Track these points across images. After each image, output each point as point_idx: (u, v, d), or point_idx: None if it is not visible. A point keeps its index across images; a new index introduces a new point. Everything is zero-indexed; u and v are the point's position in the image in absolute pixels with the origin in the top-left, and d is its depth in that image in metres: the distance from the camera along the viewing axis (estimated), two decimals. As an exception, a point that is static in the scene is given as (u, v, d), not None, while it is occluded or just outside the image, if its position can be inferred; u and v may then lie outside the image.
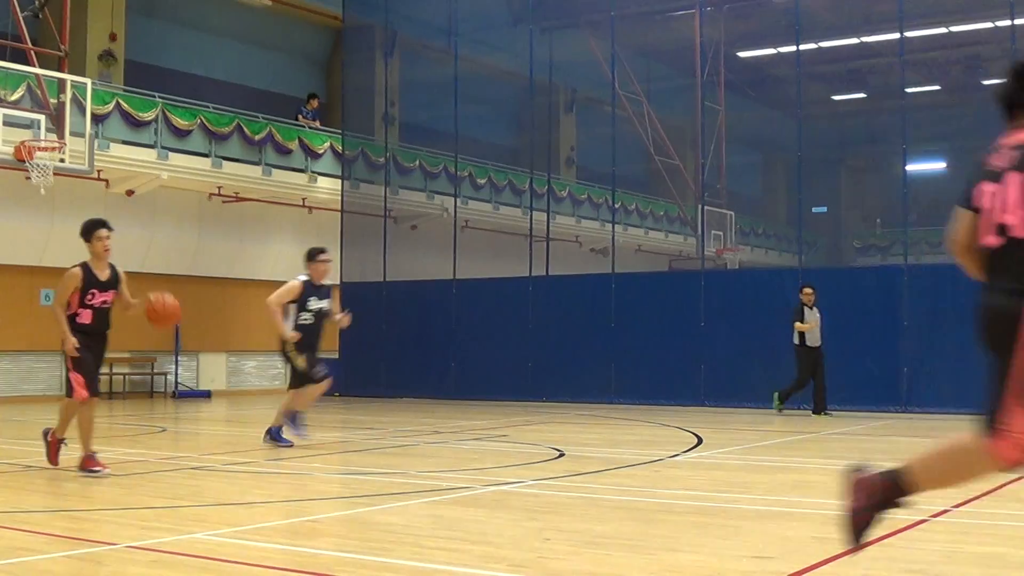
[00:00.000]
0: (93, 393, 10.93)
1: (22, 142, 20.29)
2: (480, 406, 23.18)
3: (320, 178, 29.33)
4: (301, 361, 14.10)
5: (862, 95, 38.15)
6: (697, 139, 30.18)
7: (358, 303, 27.92)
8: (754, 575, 6.40)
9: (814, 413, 20.14)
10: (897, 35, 24.00)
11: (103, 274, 11.24)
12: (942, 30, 31.40)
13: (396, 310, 27.36)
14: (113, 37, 27.90)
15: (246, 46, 32.73)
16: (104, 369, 26.42)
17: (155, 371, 28.34)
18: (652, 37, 32.13)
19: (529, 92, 27.98)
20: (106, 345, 11.42)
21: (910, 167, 25.31)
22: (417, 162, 31.09)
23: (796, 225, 25.92)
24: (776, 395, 20.56)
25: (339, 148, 29.50)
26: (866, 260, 41.98)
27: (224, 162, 27.02)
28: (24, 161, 20.25)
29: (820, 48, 32.43)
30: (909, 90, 27.29)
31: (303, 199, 29.52)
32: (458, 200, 29.16)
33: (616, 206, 29.37)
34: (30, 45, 21.66)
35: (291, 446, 13.69)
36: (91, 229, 11.29)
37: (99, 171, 23.92)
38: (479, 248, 30.02)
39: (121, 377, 27.58)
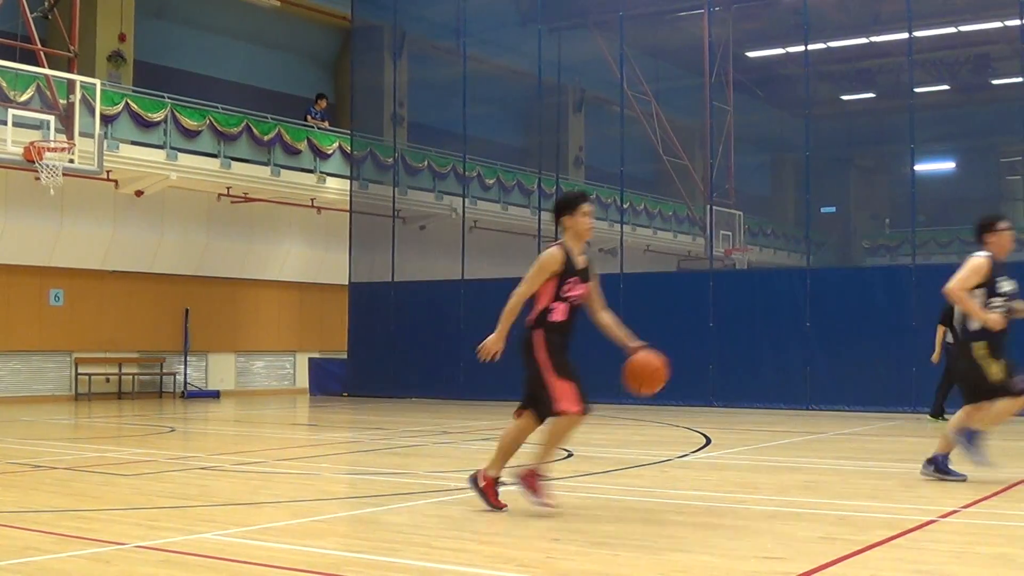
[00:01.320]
0: (586, 408, 8.69)
1: (31, 143, 20.31)
2: (488, 406, 23.17)
3: (329, 178, 29.35)
4: (996, 368, 10.22)
5: (871, 95, 38.10)
6: (705, 139, 30.13)
7: (366, 303, 28.02)
8: (762, 575, 6.39)
9: (932, 416, 18.83)
10: (906, 35, 23.97)
11: (580, 260, 8.91)
12: (951, 29, 31.35)
13: (405, 310, 27.37)
14: (122, 38, 27.95)
15: (255, 46, 32.78)
16: (112, 369, 26.76)
17: (164, 371, 28.38)
18: (660, 37, 32.11)
19: (538, 92, 27.96)
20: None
21: (919, 167, 25.29)
22: (426, 162, 31.10)
23: (804, 225, 25.89)
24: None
25: (348, 148, 29.52)
26: (875, 260, 41.90)
27: (233, 162, 27.05)
28: (33, 162, 20.28)
29: (828, 48, 32.40)
30: (918, 90, 27.28)
31: (312, 199, 29.54)
32: (467, 200, 29.16)
33: (624, 206, 29.36)
34: (39, 46, 21.69)
35: (964, 480, 10.32)
36: (574, 202, 8.94)
37: (108, 172, 23.98)
38: (488, 248, 30.01)
39: (130, 377, 27.62)
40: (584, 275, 8.84)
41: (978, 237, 10.61)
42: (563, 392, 8.50)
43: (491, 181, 33.12)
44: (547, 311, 8.69)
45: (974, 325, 10.23)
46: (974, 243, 10.51)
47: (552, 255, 8.64)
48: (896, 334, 21.28)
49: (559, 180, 30.81)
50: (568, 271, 8.66)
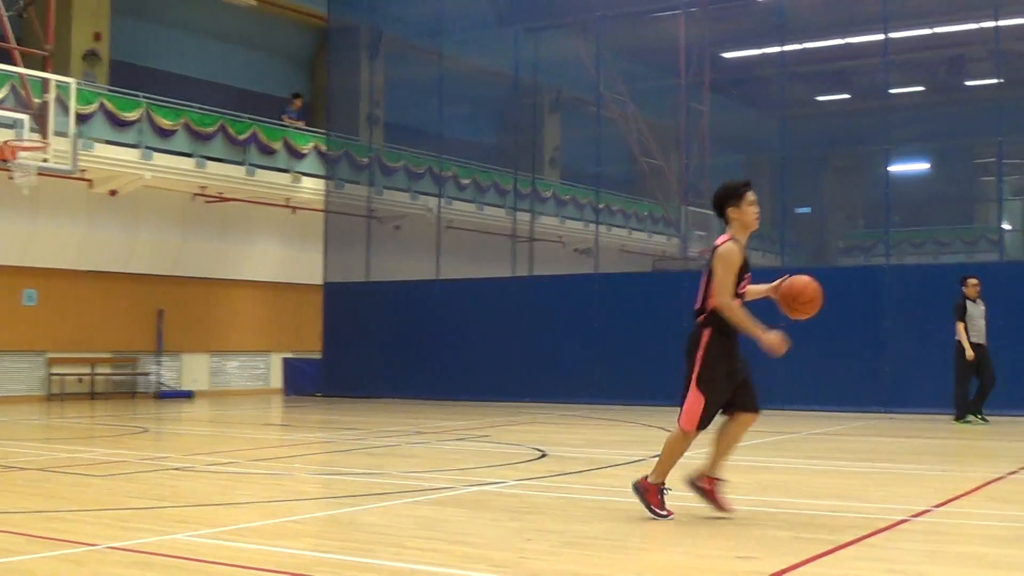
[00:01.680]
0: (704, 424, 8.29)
1: (5, 142, 20.24)
2: (463, 407, 23.17)
3: (304, 178, 29.30)
4: None
5: (846, 96, 38.19)
6: (681, 140, 30.18)
7: (341, 303, 27.97)
8: (736, 575, 6.40)
9: (957, 420, 18.27)
10: (881, 36, 24.06)
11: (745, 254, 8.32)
12: (926, 31, 31.45)
13: (379, 310, 27.33)
14: (97, 37, 27.83)
15: (231, 46, 32.69)
16: (85, 369, 26.64)
17: (137, 371, 28.27)
18: (637, 38, 32.12)
19: (514, 92, 27.99)
20: None
21: (893, 168, 25.40)
22: (401, 162, 31.07)
23: (779, 225, 25.94)
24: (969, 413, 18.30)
25: (323, 148, 29.48)
26: (849, 260, 42.02)
27: (208, 162, 26.98)
28: (7, 161, 20.19)
29: (804, 49, 32.46)
30: (893, 91, 27.38)
31: (287, 199, 29.48)
32: (442, 200, 29.15)
33: (600, 207, 29.39)
34: (14, 45, 21.59)
35: None
36: (739, 191, 8.27)
37: (83, 171, 23.87)
38: (463, 248, 30.00)
39: (103, 377, 27.51)
40: (749, 269, 8.33)
41: None
42: (693, 407, 8.23)
43: (467, 181, 33.11)
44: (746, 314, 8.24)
45: None
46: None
47: (733, 250, 8.12)
48: (870, 334, 21.35)
49: (535, 180, 30.83)
50: (744, 266, 8.21)
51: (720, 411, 8.31)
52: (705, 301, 8.22)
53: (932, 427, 17.89)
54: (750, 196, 8.25)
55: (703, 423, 8.20)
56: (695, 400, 8.17)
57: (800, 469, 12.16)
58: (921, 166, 39.66)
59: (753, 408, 8.40)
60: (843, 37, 32.69)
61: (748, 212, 8.23)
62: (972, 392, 18.19)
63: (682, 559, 6.78)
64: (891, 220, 23.81)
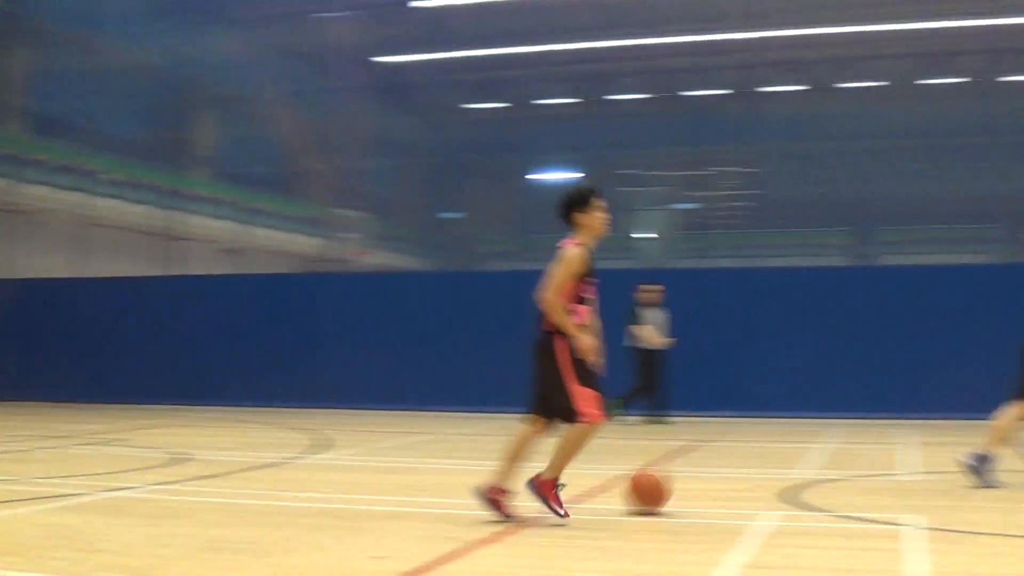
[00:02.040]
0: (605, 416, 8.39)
1: None
2: (105, 409, 22.40)
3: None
4: None
5: (498, 104, 39.12)
6: (336, 142, 30.23)
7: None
8: (371, 575, 6.48)
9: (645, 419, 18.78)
10: (535, 48, 24.73)
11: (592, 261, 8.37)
12: (578, 45, 32.56)
13: (20, 309, 26.12)
14: None
15: None
16: None
17: None
18: (296, 38, 32.01)
19: (169, 88, 27.34)
20: None
21: (540, 176, 26.17)
22: (46, 155, 29.83)
23: (429, 229, 26.33)
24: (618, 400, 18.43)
25: (-44, 137, 28.02)
26: (496, 265, 42.98)
27: None
28: None
29: (460, 57, 33.07)
30: (544, 101, 28.25)
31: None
32: (90, 196, 28.16)
33: (253, 206, 29.08)
34: None
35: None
36: (588, 196, 8.35)
37: None
38: (111, 246, 29.09)
39: None
40: (595, 274, 8.36)
41: None
42: (588, 400, 8.11)
43: (117, 177, 32.07)
44: (568, 314, 8.18)
45: None
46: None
47: (578, 255, 8.14)
48: (506, 336, 21.85)
49: (186, 178, 30.22)
50: (589, 271, 8.22)
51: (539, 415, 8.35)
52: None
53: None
54: (599, 201, 8.33)
55: (603, 411, 8.22)
56: (584, 394, 8.11)
57: (439, 470, 12.38)
58: (567, 175, 41.00)
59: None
60: (498, 47, 33.49)
61: (597, 218, 8.31)
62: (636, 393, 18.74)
63: (319, 560, 6.80)
64: (536, 227, 24.49)
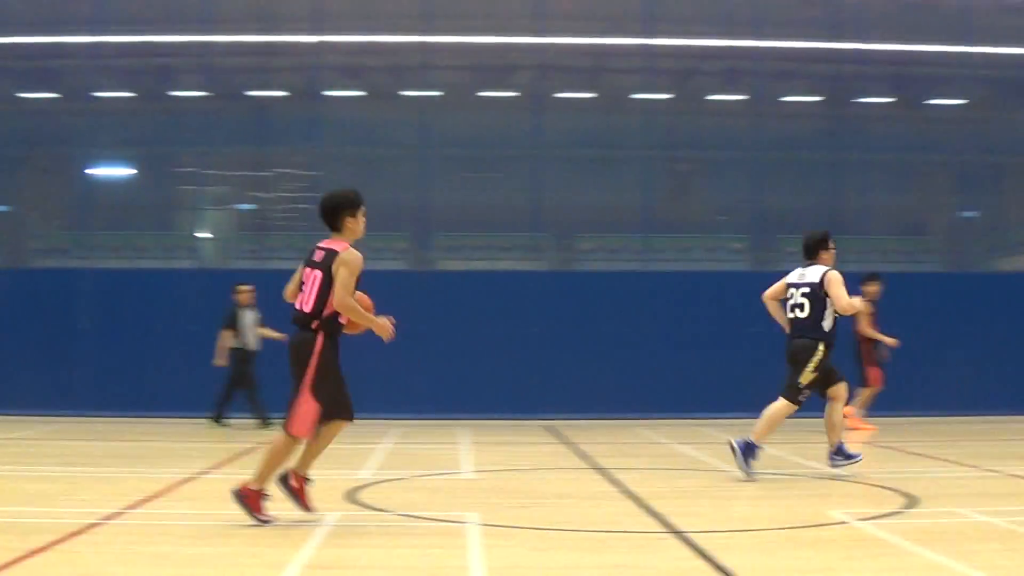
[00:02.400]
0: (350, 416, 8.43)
1: None
2: None
3: None
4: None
5: (53, 95, 37.49)
6: None
7: None
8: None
9: (214, 420, 18.40)
10: (91, 38, 23.92)
11: None
12: (136, 38, 31.64)
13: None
14: None
15: None
16: None
17: None
18: None
19: None
20: None
21: (97, 171, 25.34)
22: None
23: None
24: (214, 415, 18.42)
25: None
26: (46, 262, 41.15)
27: None
28: None
29: (10, 43, 31.47)
30: (100, 94, 27.35)
31: None
32: None
33: None
34: None
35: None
36: (357, 202, 8.52)
37: None
38: None
39: None
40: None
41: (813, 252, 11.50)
42: (305, 412, 8.17)
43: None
44: (337, 315, 8.26)
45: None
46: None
47: (359, 257, 8.26)
48: (62, 336, 21.07)
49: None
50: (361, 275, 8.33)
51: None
52: (318, 306, 8.24)
53: (136, 431, 17.97)
54: (364, 208, 8.55)
55: (313, 429, 8.25)
56: (309, 407, 8.17)
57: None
58: (125, 171, 39.80)
59: (349, 416, 8.43)
60: (52, 35, 32.05)
61: (361, 222, 8.52)
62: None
63: None
64: (93, 223, 23.73)
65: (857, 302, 11.35)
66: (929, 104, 34.82)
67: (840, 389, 11.42)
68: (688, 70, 32.46)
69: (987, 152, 34.33)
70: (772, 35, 29.62)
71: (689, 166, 35.52)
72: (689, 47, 30.24)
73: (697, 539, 7.62)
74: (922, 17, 28.31)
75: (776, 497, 10.25)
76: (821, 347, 11.16)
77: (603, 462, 12.90)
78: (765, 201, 32.27)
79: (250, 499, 8.20)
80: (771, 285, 11.65)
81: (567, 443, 15.49)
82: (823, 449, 11.57)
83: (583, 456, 13.75)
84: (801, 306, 11.29)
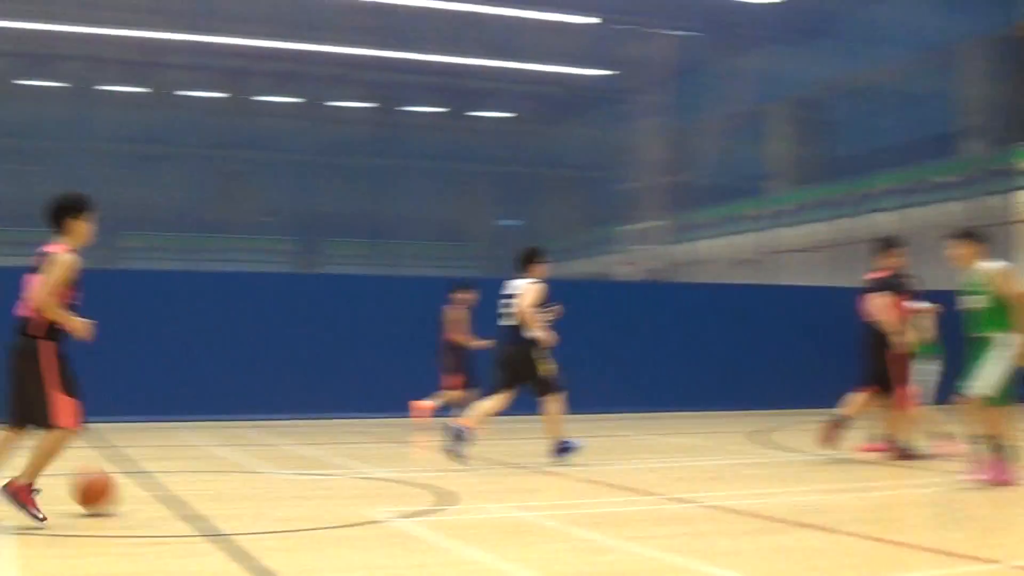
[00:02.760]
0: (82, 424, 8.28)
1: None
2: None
3: None
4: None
5: None
6: None
7: None
8: None
9: None
10: None
11: None
12: None
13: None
14: None
15: None
16: None
17: None
18: None
19: None
20: None
21: None
22: None
23: None
24: None
25: None
26: None
27: None
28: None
29: None
30: None
31: None
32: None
33: None
34: None
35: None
36: (87, 205, 8.33)
37: None
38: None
39: None
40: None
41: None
42: (66, 407, 8.06)
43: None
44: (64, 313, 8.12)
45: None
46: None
47: (72, 261, 8.11)
48: None
49: None
50: (78, 278, 8.17)
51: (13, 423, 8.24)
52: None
53: None
54: (90, 211, 8.36)
55: (80, 418, 8.18)
56: (64, 402, 8.08)
57: None
58: None
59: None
60: None
61: (89, 227, 8.35)
62: None
63: None
64: None
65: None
66: (474, 116, 36.17)
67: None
68: (240, 70, 32.13)
69: (528, 164, 36.10)
70: (326, 40, 29.82)
71: (238, 166, 35.26)
72: (242, 46, 29.90)
73: (240, 541, 7.57)
74: (472, 32, 29.28)
75: (318, 498, 10.33)
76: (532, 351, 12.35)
77: (146, 465, 12.59)
78: (313, 204, 32.59)
79: (21, 494, 8.12)
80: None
81: (110, 446, 15.00)
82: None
83: (126, 459, 13.38)
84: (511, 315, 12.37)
